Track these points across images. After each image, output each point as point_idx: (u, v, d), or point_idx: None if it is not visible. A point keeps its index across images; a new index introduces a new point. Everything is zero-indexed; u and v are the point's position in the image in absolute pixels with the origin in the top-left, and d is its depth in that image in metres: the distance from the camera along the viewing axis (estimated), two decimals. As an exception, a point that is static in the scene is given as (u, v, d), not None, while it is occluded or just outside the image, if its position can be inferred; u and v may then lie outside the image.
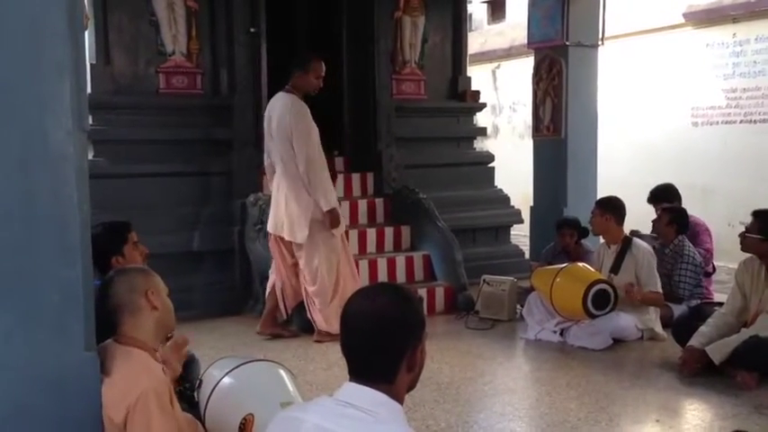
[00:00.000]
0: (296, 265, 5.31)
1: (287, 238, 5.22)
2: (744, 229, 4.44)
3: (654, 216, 6.12)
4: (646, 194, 6.36)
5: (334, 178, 5.50)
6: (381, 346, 1.65)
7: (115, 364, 2.24)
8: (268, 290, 5.48)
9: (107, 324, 2.32)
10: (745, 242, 4.40)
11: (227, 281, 6.14)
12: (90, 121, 4.96)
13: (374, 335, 1.65)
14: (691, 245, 5.57)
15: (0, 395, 2.05)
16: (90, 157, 5.42)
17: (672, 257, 5.54)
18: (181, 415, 2.46)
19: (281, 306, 5.41)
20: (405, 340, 1.67)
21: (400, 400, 1.67)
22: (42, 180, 2.10)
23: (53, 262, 2.12)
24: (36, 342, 2.12)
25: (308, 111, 5.20)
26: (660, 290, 5.15)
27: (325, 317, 5.22)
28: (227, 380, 2.92)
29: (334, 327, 5.12)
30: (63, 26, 2.10)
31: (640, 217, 6.25)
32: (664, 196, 6.18)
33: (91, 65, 5.91)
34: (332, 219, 5.17)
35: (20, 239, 2.09)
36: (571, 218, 6.26)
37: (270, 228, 5.33)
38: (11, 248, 2.08)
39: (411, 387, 1.73)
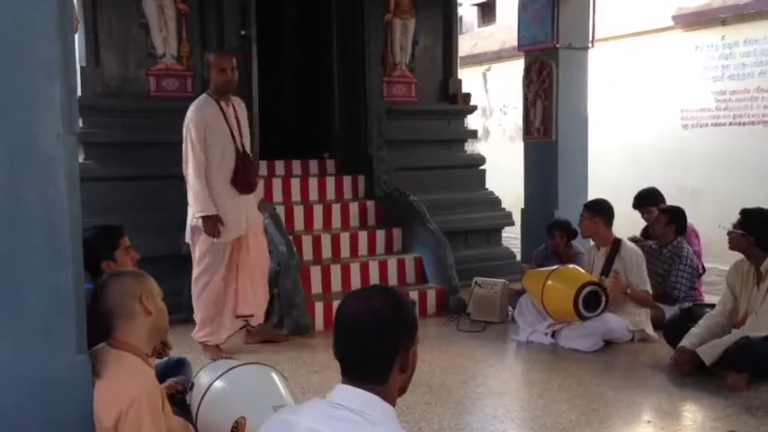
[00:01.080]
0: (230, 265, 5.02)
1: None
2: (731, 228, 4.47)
3: (640, 220, 6.15)
4: (636, 196, 6.38)
5: (252, 184, 5.01)
6: (375, 346, 1.65)
7: (107, 367, 2.22)
8: None
9: (100, 328, 2.30)
10: (731, 239, 4.43)
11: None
12: (80, 124, 4.93)
13: (368, 335, 1.65)
14: (689, 247, 5.57)
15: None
16: (80, 159, 5.39)
17: (669, 258, 5.53)
18: (173, 419, 2.45)
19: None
20: (398, 340, 1.67)
21: (392, 402, 1.67)
22: (32, 183, 2.09)
23: (43, 265, 2.11)
24: (26, 345, 2.12)
25: (209, 112, 4.80)
26: (650, 290, 5.17)
27: (200, 319, 4.96)
28: (218, 383, 2.91)
29: (207, 335, 4.96)
30: (52, 28, 2.09)
31: (631, 219, 6.26)
32: (648, 199, 6.18)
33: (81, 67, 5.89)
34: (205, 225, 4.76)
35: (9, 243, 2.08)
36: (561, 220, 6.26)
37: None
38: (0, 252, 2.07)
39: (403, 391, 1.73)
